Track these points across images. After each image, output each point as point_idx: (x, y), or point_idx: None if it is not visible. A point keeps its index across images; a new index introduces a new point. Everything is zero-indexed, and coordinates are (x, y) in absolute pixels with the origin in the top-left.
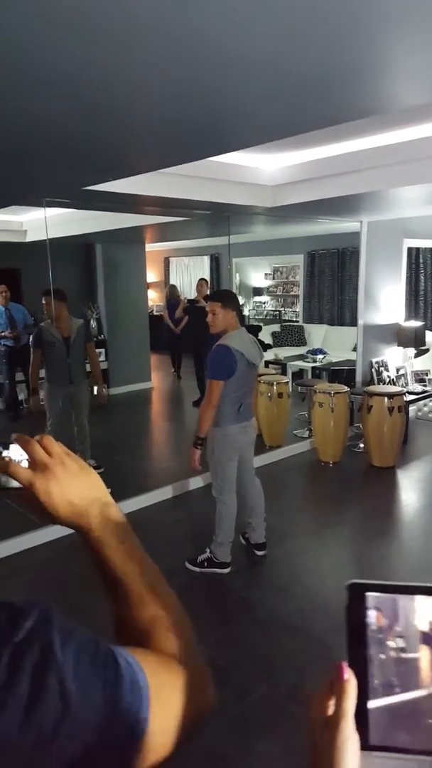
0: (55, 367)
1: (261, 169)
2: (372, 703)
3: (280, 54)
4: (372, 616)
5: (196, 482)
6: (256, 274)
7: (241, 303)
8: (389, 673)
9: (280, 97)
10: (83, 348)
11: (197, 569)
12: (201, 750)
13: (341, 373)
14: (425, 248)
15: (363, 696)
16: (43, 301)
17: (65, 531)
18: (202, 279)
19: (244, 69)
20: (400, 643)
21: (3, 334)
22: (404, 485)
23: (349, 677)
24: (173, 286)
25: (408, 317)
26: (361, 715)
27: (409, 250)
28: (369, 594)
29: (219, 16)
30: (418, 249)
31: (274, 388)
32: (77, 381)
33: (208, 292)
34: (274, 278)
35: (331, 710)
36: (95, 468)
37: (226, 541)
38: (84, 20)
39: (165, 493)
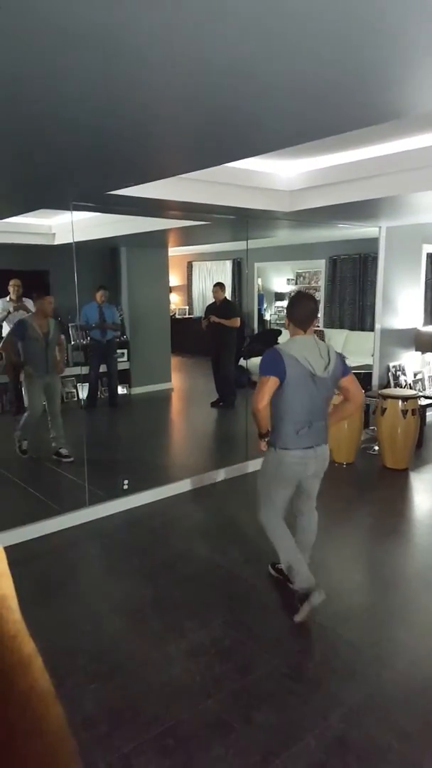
0: (36, 360)
1: (279, 175)
2: None
3: (301, 60)
4: None
5: (211, 477)
6: (279, 279)
7: (263, 307)
8: None
9: (299, 104)
10: (60, 344)
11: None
12: (204, 720)
13: (358, 377)
14: None
15: None
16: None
17: (85, 518)
18: (217, 284)
19: (265, 77)
20: None
21: (94, 326)
22: (416, 487)
23: None
24: None
25: (427, 322)
26: None
27: (430, 256)
28: None
29: (239, 30)
30: None
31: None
32: (52, 372)
33: (224, 297)
34: (296, 283)
35: None
36: (65, 457)
37: (292, 563)
38: (111, 39)
39: (182, 486)
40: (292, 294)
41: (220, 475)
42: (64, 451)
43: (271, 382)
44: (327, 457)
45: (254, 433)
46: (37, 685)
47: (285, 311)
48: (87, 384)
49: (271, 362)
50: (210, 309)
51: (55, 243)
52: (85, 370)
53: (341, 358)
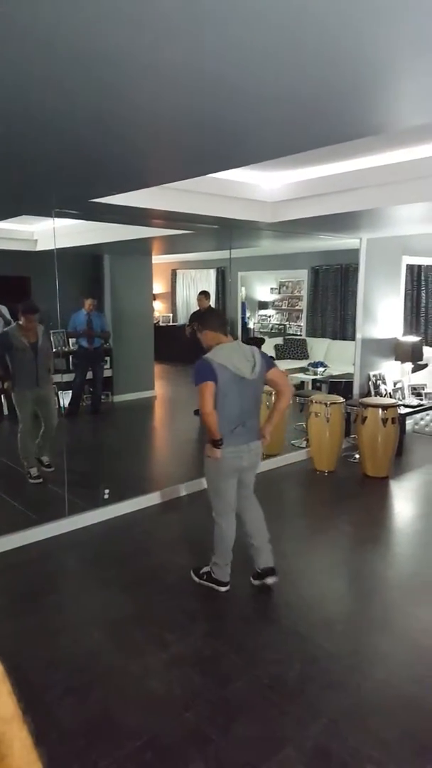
0: (24, 372)
1: (261, 186)
2: None
3: (288, 76)
4: None
5: (191, 487)
6: (262, 288)
7: (247, 316)
8: None
9: (281, 119)
10: (48, 352)
11: (197, 579)
12: (183, 732)
13: (339, 386)
14: (427, 266)
15: None
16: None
17: (64, 529)
18: (201, 293)
19: (248, 94)
20: None
21: (81, 333)
22: (396, 495)
23: None
24: None
25: (408, 333)
26: None
27: (411, 267)
28: None
29: (225, 50)
30: (420, 266)
31: (272, 397)
32: (43, 383)
33: (209, 305)
34: (279, 292)
35: None
36: (46, 467)
37: (222, 562)
38: (97, 48)
39: (163, 495)
40: (193, 314)
41: (202, 484)
42: (45, 459)
43: (210, 387)
44: (260, 452)
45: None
46: (1, 709)
47: (200, 327)
48: (69, 391)
49: (202, 371)
50: (195, 317)
51: (37, 249)
52: (66, 377)
53: (264, 355)
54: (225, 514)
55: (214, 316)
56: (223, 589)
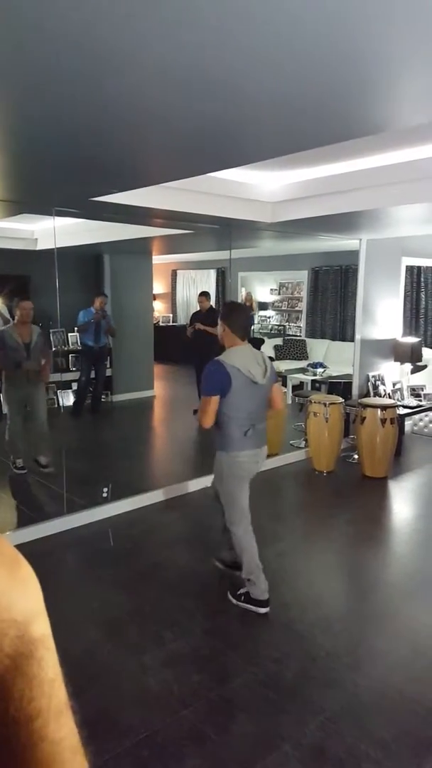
0: (15, 370)
1: (261, 186)
2: None
3: (288, 76)
4: None
5: (192, 486)
6: (262, 288)
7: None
8: None
9: (280, 118)
10: (44, 352)
11: (234, 601)
12: (180, 730)
13: (338, 386)
14: (427, 267)
15: None
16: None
17: (63, 527)
18: (202, 293)
19: (247, 94)
20: None
21: (91, 321)
22: (395, 495)
23: None
24: None
25: (408, 334)
26: None
27: (411, 268)
28: None
29: (225, 52)
30: (419, 268)
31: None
32: (33, 382)
33: (210, 306)
34: (279, 293)
35: None
36: (43, 467)
37: (253, 577)
38: (102, 46)
39: (162, 494)
40: (227, 302)
41: (201, 483)
42: (42, 459)
43: (214, 402)
44: (265, 456)
45: None
46: (70, 737)
47: (224, 323)
48: (71, 390)
49: (214, 379)
50: (195, 317)
51: (38, 248)
52: (65, 377)
53: (273, 366)
54: (239, 522)
55: (241, 318)
56: (263, 610)
